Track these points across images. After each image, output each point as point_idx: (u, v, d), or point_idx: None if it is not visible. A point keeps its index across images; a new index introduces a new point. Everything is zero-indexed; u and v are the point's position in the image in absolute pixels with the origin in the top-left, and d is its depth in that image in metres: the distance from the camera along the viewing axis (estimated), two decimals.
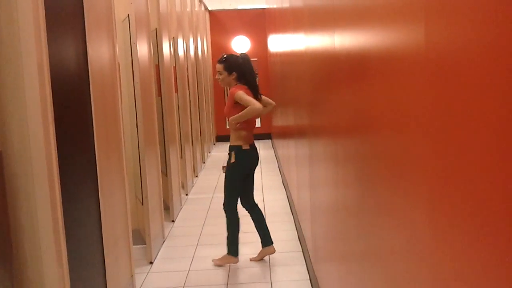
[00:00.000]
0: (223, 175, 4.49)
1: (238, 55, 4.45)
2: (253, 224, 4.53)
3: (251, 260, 4.47)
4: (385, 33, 1.61)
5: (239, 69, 4.34)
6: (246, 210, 4.54)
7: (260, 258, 4.48)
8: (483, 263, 0.96)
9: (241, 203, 4.51)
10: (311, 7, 3.52)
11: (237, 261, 4.44)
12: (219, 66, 4.37)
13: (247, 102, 4.22)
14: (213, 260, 4.48)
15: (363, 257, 2.05)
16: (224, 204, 4.44)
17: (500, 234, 0.88)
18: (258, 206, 4.53)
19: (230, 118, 4.29)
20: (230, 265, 4.43)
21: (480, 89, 0.94)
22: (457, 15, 1.04)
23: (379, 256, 1.78)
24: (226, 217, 4.44)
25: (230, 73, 4.34)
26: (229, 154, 4.36)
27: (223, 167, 4.42)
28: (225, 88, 12.90)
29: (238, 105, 4.25)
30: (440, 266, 1.18)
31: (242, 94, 4.23)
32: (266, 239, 4.49)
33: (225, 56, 4.44)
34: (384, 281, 1.73)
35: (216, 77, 4.43)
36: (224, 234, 5.34)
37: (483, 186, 0.94)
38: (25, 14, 2.34)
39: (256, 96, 4.31)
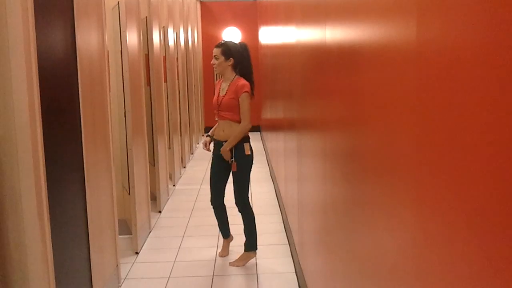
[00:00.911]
0: (209, 166, 4.41)
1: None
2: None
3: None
4: (376, 28, 1.60)
5: (237, 55, 4.14)
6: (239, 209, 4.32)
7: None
8: (468, 260, 0.96)
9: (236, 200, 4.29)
10: (303, 0, 3.50)
11: (255, 254, 4.33)
12: (216, 50, 4.14)
13: (245, 112, 4.07)
14: (231, 264, 4.25)
15: (349, 252, 2.05)
16: (239, 202, 4.22)
17: (486, 230, 0.88)
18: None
19: (226, 147, 4.05)
20: (216, 257, 4.43)
21: (469, 86, 0.93)
22: (449, 11, 1.03)
23: (365, 252, 1.78)
24: (245, 213, 4.23)
25: (227, 58, 4.12)
26: (237, 148, 4.10)
27: (233, 164, 4.12)
28: (215, 77, 12.88)
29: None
30: (425, 262, 1.18)
31: (247, 99, 4.06)
32: (250, 244, 4.34)
33: (223, 41, 4.28)
34: (369, 277, 1.74)
35: (212, 62, 4.17)
36: (210, 225, 5.33)
37: (468, 182, 0.94)
38: None
39: (253, 93, 4.14)
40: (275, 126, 6.63)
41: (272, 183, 7.16)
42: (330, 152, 2.46)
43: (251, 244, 4.27)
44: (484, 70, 0.88)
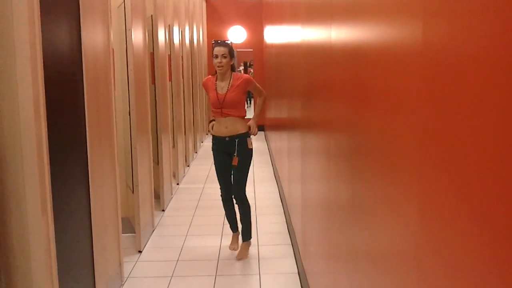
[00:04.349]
0: (213, 165, 4.47)
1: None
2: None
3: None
4: (382, 29, 1.59)
5: (234, 54, 4.37)
6: (236, 202, 4.48)
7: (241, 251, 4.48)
8: (471, 258, 0.95)
9: (234, 194, 4.44)
10: (308, 0, 3.50)
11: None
12: (224, 50, 4.21)
13: (259, 88, 4.45)
14: (239, 258, 4.36)
15: (353, 253, 2.04)
16: (239, 194, 4.37)
17: (488, 228, 0.88)
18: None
19: (255, 120, 4.34)
20: (219, 257, 4.43)
21: (472, 86, 0.93)
22: (454, 13, 1.02)
23: (369, 252, 1.78)
24: (244, 205, 4.40)
25: (231, 57, 4.28)
26: (240, 143, 4.24)
27: (235, 158, 4.24)
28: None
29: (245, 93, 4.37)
30: (427, 261, 1.17)
31: (254, 80, 4.42)
32: (249, 233, 4.50)
33: (220, 40, 4.54)
34: (373, 278, 1.73)
35: (219, 60, 4.19)
36: (213, 224, 5.33)
37: (472, 180, 0.93)
38: None
39: None
40: (279, 126, 6.62)
41: (276, 183, 7.16)
42: (334, 152, 2.45)
43: (249, 233, 4.46)
44: (488, 71, 0.87)
